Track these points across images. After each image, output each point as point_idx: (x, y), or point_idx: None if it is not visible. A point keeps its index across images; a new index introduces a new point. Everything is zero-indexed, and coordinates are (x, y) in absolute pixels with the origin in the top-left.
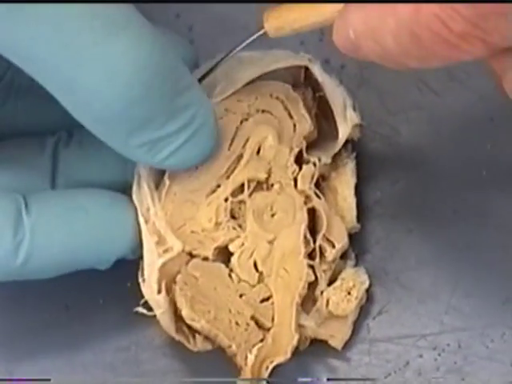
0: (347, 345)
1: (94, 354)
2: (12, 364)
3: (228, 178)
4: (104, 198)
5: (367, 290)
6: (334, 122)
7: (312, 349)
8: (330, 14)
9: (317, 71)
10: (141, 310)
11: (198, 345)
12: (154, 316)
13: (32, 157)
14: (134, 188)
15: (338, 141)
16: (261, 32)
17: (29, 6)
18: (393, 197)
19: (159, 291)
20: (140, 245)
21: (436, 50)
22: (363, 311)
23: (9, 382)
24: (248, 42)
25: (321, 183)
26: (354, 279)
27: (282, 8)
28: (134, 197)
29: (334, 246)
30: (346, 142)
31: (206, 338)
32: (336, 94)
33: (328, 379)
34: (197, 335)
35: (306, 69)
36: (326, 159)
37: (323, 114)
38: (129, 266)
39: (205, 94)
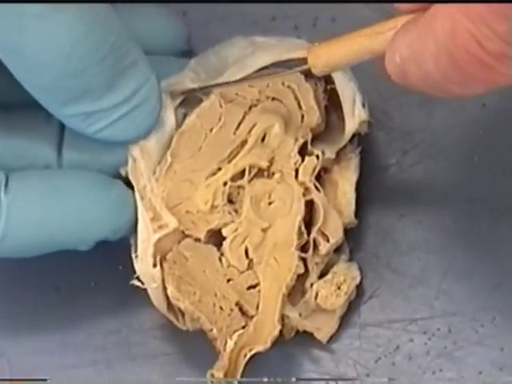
0: (337, 330)
1: (85, 336)
2: (3, 345)
3: (230, 162)
4: (83, 179)
5: (357, 286)
6: (343, 116)
7: (298, 338)
8: (378, 46)
9: None
10: (136, 283)
11: (187, 323)
12: (146, 296)
13: (38, 127)
14: (130, 166)
15: (344, 135)
16: (305, 67)
17: None
18: (384, 182)
19: (155, 265)
20: (134, 222)
21: (473, 73)
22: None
23: (6, 382)
24: (286, 73)
25: (322, 175)
26: (346, 274)
27: (328, 43)
28: (130, 175)
29: (328, 240)
30: (352, 136)
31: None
32: (347, 89)
33: (297, 379)
34: (186, 314)
35: None
36: (331, 154)
37: (332, 106)
38: (121, 249)
39: (151, 72)
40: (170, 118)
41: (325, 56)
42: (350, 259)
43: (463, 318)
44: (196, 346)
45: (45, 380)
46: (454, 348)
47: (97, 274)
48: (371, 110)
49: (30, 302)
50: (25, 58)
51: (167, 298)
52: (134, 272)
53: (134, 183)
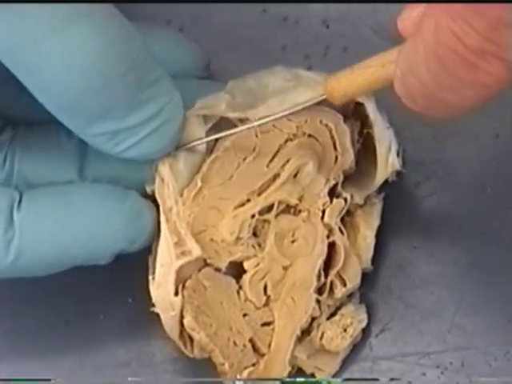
0: (349, 363)
1: (93, 370)
2: (10, 376)
3: (260, 194)
4: (96, 191)
5: (363, 330)
6: (374, 161)
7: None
8: (390, 75)
9: (370, 108)
10: (156, 310)
11: (196, 352)
12: (156, 329)
13: (60, 144)
14: (157, 185)
15: (374, 182)
16: (321, 98)
17: None
18: (397, 213)
19: (176, 293)
20: (152, 233)
21: (459, 73)
22: (366, 328)
23: (9, 382)
24: (305, 105)
25: (345, 217)
26: (353, 317)
27: (343, 74)
28: (157, 194)
29: (345, 285)
30: None
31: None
32: (384, 136)
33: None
34: (195, 342)
35: (357, 103)
36: (359, 199)
37: (363, 150)
38: (130, 282)
39: (175, 90)
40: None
41: (341, 87)
42: (360, 302)
43: (476, 352)
44: (207, 378)
45: (49, 380)
46: (466, 382)
47: (106, 306)
48: None
49: (38, 334)
50: (42, 78)
51: (181, 325)
52: (144, 305)
53: (160, 203)
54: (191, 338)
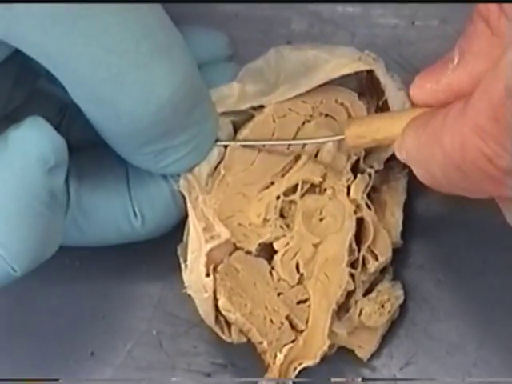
0: None
1: None
2: None
3: (283, 176)
4: None
5: (401, 306)
6: None
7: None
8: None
9: (380, 72)
10: (189, 291)
11: (233, 336)
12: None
13: (111, 170)
14: (181, 182)
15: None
16: (340, 137)
17: (80, 23)
18: (421, 247)
19: (207, 275)
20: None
21: (481, 186)
22: (391, 361)
23: (16, 382)
24: (321, 141)
25: (371, 194)
26: (390, 293)
27: (366, 118)
28: (182, 189)
29: (377, 259)
30: None
31: (241, 330)
32: (396, 97)
33: (363, 379)
34: (232, 326)
35: (368, 71)
36: (379, 165)
37: None
38: (153, 314)
39: (214, 106)
40: (222, 134)
41: (361, 127)
42: (394, 278)
43: None
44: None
45: (57, 380)
46: None
47: (131, 337)
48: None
49: (63, 366)
50: (117, 110)
51: (216, 309)
52: (168, 337)
53: (186, 195)
54: (228, 323)
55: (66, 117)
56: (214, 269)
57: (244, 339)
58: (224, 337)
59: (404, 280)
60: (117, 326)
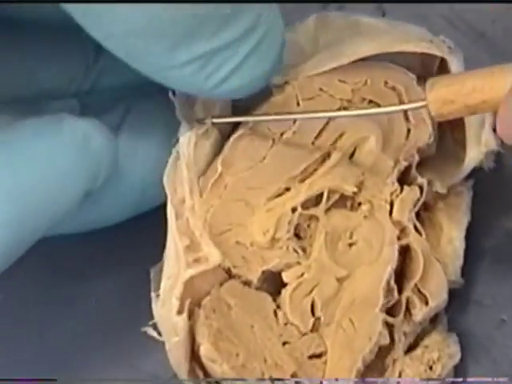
0: None
1: None
2: None
3: (303, 181)
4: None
5: (455, 367)
6: (463, 142)
7: None
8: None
9: (455, 65)
10: (150, 331)
11: None
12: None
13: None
14: (168, 168)
15: (462, 167)
16: (420, 104)
17: None
18: (482, 282)
19: (180, 311)
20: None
21: None
22: None
23: (13, 382)
24: (393, 110)
25: (422, 214)
26: (441, 350)
27: (456, 76)
28: (166, 180)
29: (427, 303)
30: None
31: None
32: None
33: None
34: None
35: (442, 60)
36: (441, 188)
37: (449, 126)
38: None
39: None
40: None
41: (450, 89)
42: (449, 329)
43: None
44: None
45: (54, 380)
46: None
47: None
48: None
49: None
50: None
51: (192, 356)
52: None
53: (167, 191)
54: (207, 375)
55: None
56: (197, 303)
57: None
58: None
59: (459, 322)
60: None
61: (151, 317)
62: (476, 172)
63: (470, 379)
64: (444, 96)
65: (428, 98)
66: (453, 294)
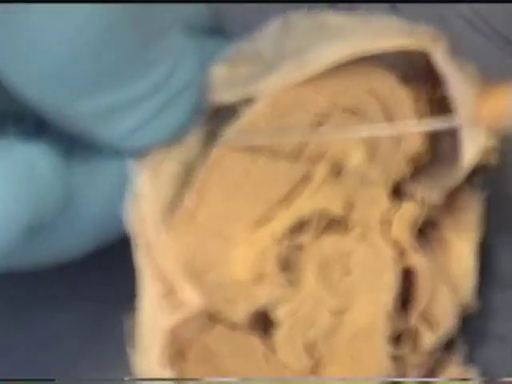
0: None
1: None
2: None
3: (286, 206)
4: None
5: None
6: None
7: None
8: None
9: (439, 56)
10: None
11: None
12: None
13: None
14: (127, 206)
15: (459, 168)
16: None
17: None
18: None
19: (163, 365)
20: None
21: None
22: None
23: (11, 382)
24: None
25: (424, 231)
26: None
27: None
28: (127, 219)
29: (435, 331)
30: (474, 171)
31: None
32: (465, 96)
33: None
34: None
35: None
36: (437, 194)
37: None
38: None
39: (189, 47)
40: (193, 137)
41: (501, 103)
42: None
43: None
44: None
45: (53, 380)
46: None
47: None
48: None
49: None
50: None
51: None
52: None
53: (134, 236)
54: None
55: None
56: (181, 354)
57: None
58: None
59: (479, 354)
60: None
61: None
62: (487, 185)
63: None
64: (498, 107)
65: (478, 109)
66: (468, 318)
